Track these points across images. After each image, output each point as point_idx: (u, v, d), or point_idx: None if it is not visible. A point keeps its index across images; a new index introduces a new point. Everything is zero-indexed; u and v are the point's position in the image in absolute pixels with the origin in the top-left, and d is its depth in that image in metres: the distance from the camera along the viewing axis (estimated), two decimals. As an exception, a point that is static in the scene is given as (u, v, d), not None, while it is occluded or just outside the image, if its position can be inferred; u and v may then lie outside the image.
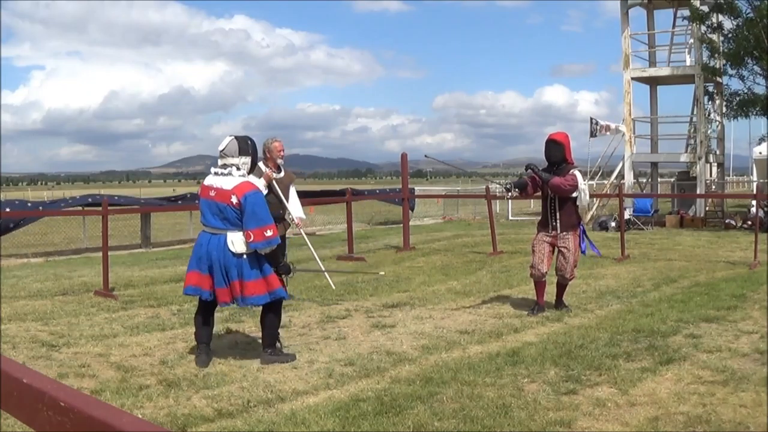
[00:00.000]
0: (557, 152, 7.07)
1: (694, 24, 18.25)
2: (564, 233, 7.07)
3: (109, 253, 9.01)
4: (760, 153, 21.85)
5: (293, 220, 7.41)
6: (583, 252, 7.42)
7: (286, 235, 7.54)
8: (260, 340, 5.67)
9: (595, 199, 20.58)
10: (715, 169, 20.49)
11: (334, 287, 8.15)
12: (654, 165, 21.34)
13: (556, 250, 7.17)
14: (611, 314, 6.96)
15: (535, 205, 21.88)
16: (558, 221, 7.08)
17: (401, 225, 13.78)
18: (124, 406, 4.28)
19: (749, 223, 16.21)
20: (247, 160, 5.25)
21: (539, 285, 7.16)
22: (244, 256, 5.11)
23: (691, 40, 19.22)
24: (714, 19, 17.90)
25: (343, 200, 14.03)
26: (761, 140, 21.78)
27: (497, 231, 13.20)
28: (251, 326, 6.59)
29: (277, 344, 5.48)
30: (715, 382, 4.69)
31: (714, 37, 18.20)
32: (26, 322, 6.88)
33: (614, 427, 3.93)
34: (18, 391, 1.28)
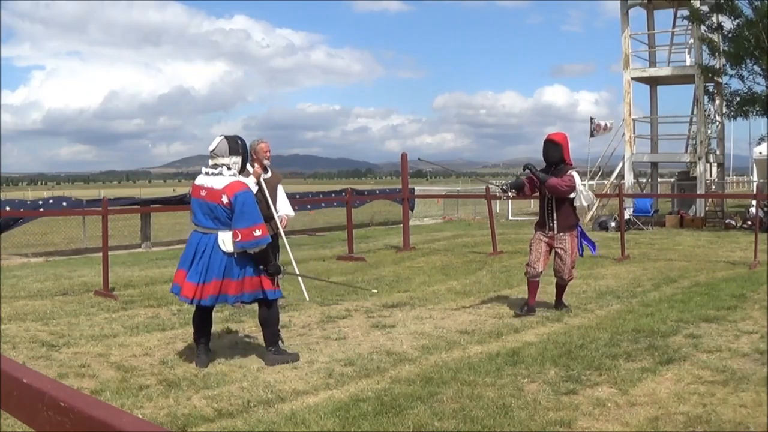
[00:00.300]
0: (555, 153, 7.04)
1: (694, 24, 18.25)
2: (561, 234, 7.05)
3: (109, 253, 9.01)
4: (760, 153, 21.85)
5: (280, 218, 7.40)
6: (581, 254, 7.38)
7: (282, 234, 7.53)
8: (259, 340, 5.67)
9: (595, 199, 20.58)
10: (715, 169, 20.48)
11: (308, 298, 7.79)
12: (654, 165, 21.33)
13: (553, 251, 7.15)
14: (611, 314, 6.96)
15: (535, 205, 21.87)
16: (555, 222, 7.05)
17: (401, 225, 13.78)
18: (124, 406, 4.28)
19: (749, 223, 16.21)
20: (238, 159, 5.26)
21: (532, 284, 7.10)
22: (235, 255, 5.11)
23: (691, 40, 19.22)
24: (714, 19, 17.89)
25: (343, 200, 14.03)
26: (761, 140, 21.79)
27: (497, 231, 13.20)
28: (251, 326, 6.59)
29: (280, 343, 5.49)
30: (715, 382, 4.69)
31: (714, 36, 18.20)
32: (26, 322, 6.88)
33: (614, 427, 3.93)
34: (18, 391, 1.28)
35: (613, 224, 16.95)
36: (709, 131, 19.54)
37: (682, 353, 5.40)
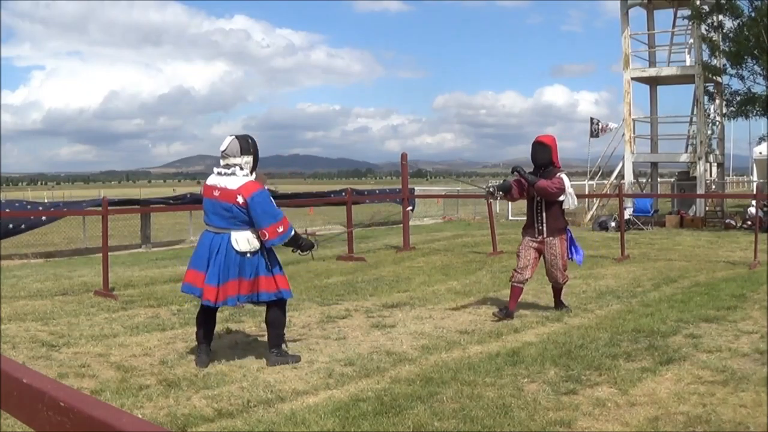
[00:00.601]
0: (544, 155, 6.94)
1: (694, 23, 18.25)
2: (551, 238, 6.94)
3: (109, 253, 9.01)
4: (760, 153, 21.86)
5: None
6: (570, 258, 7.21)
7: None
8: (259, 340, 5.67)
9: (595, 199, 20.60)
10: (715, 169, 20.49)
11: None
12: (654, 165, 21.33)
13: (543, 257, 7.03)
14: (611, 314, 6.96)
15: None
16: (544, 225, 6.94)
17: (401, 225, 13.78)
18: (124, 406, 4.28)
19: (749, 223, 16.22)
20: (249, 159, 5.27)
21: (515, 289, 6.97)
22: (248, 255, 5.12)
23: (691, 40, 19.22)
24: (714, 18, 17.89)
25: (343, 200, 14.02)
26: (761, 140, 21.79)
27: (497, 231, 13.20)
28: (251, 326, 6.59)
29: (283, 345, 5.49)
30: (715, 382, 4.69)
31: (714, 36, 18.20)
32: (26, 322, 6.88)
33: (614, 427, 3.93)
34: (18, 391, 1.28)
35: (613, 224, 16.95)
36: (709, 131, 19.55)
37: (682, 353, 5.40)
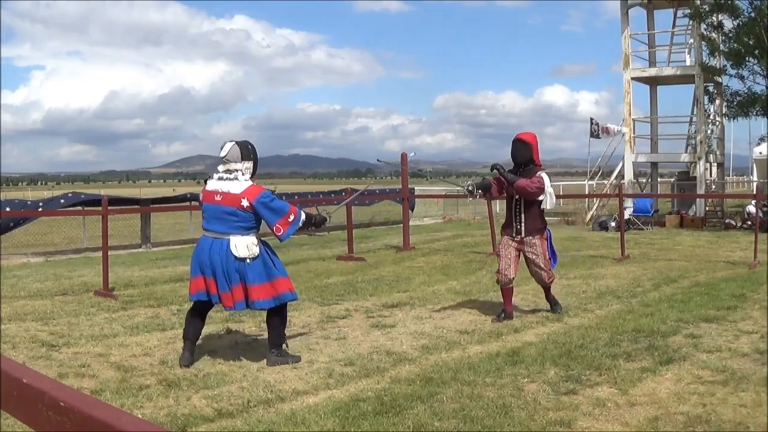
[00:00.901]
0: (524, 152, 6.79)
1: (695, 22, 18.24)
2: (530, 238, 6.82)
3: (109, 253, 9.01)
4: (760, 153, 21.86)
5: None
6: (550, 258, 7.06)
7: None
8: (259, 340, 5.66)
9: (595, 199, 20.60)
10: (715, 169, 20.49)
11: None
12: (654, 165, 21.32)
13: (524, 256, 6.92)
14: (611, 314, 6.96)
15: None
16: (523, 225, 6.82)
17: (401, 225, 13.78)
18: (124, 406, 4.28)
19: (749, 223, 16.22)
20: (250, 164, 5.31)
21: (506, 291, 6.91)
22: (248, 260, 5.13)
23: (691, 40, 19.21)
24: (714, 18, 17.89)
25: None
26: (761, 140, 21.81)
27: (497, 231, 13.20)
28: (251, 326, 6.59)
29: (283, 345, 5.49)
30: (715, 382, 4.69)
31: (714, 35, 18.20)
32: (26, 322, 6.88)
33: (614, 427, 3.93)
34: (18, 391, 1.28)
35: (613, 224, 16.95)
36: (709, 131, 19.55)
37: (682, 353, 5.40)
